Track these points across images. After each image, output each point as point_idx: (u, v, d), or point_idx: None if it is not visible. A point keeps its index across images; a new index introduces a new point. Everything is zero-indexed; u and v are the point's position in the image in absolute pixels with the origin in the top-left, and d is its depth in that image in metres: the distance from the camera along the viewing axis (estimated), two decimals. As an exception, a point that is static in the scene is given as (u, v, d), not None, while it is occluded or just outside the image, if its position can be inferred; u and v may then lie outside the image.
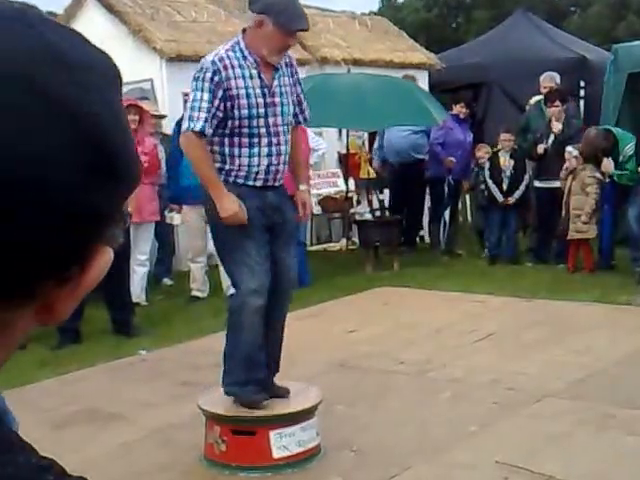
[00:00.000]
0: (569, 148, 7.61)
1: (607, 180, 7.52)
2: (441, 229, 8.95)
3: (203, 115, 3.48)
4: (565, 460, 3.47)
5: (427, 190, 9.27)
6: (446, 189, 8.82)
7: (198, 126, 3.49)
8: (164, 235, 7.87)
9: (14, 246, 0.53)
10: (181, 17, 9.14)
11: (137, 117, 6.80)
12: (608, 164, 7.33)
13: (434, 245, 9.12)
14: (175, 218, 7.26)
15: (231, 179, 3.63)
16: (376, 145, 9.57)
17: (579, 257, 7.73)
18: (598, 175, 7.52)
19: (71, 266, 0.57)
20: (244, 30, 3.67)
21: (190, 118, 3.50)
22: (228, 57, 3.54)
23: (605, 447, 3.61)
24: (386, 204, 9.28)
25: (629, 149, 7.21)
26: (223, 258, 3.89)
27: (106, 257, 0.61)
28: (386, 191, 9.61)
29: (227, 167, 3.62)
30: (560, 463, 3.43)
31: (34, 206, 0.53)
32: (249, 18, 3.71)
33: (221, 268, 7.23)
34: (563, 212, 7.67)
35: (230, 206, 3.56)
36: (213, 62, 3.52)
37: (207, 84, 3.49)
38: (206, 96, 3.48)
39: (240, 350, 3.64)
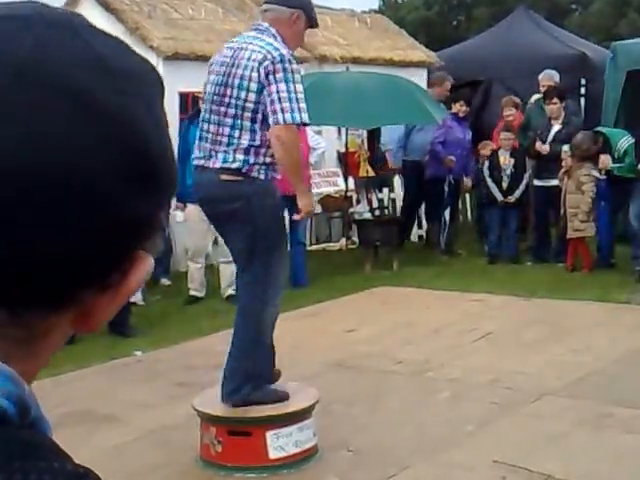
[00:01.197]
0: (565, 147, 7.58)
1: (604, 177, 7.49)
2: (441, 228, 8.91)
3: (303, 106, 3.43)
4: (563, 459, 3.45)
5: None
6: (446, 188, 8.78)
7: (305, 117, 3.45)
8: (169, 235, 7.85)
9: (57, 254, 0.53)
10: (178, 15, 9.11)
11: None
12: (605, 159, 7.31)
13: (434, 244, 9.08)
14: (178, 216, 7.22)
15: (272, 173, 3.58)
16: (396, 145, 9.53)
17: (578, 256, 7.70)
18: (594, 173, 7.50)
19: (112, 273, 0.57)
20: (264, 23, 3.59)
21: (292, 110, 3.39)
22: None
23: (604, 446, 3.59)
24: (390, 203, 9.24)
25: (623, 143, 7.19)
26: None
27: (146, 264, 0.60)
28: (385, 190, 9.57)
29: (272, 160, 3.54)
30: (558, 462, 3.41)
31: (79, 215, 0.53)
32: (279, 12, 3.56)
33: (221, 267, 7.23)
34: (562, 211, 7.64)
35: (311, 201, 3.69)
36: (290, 54, 3.51)
37: (297, 75, 3.48)
38: (299, 87, 3.44)
39: (265, 354, 3.58)
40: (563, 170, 7.61)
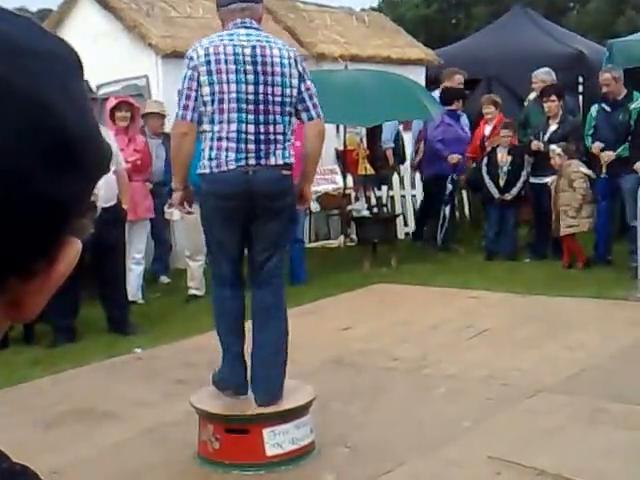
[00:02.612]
0: (552, 146, 7.60)
1: (594, 175, 7.51)
2: (439, 225, 8.93)
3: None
4: (557, 455, 3.48)
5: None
6: (450, 186, 8.79)
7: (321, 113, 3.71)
8: (161, 233, 7.87)
9: None
10: (176, 13, 9.13)
11: (129, 114, 6.79)
12: (605, 154, 7.34)
13: (430, 241, 9.10)
14: (175, 214, 7.24)
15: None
16: (414, 148, 9.59)
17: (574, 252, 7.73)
18: (584, 170, 7.54)
19: (36, 260, 0.56)
20: (258, 21, 3.65)
21: (315, 106, 3.65)
22: None
23: (597, 442, 3.61)
24: (388, 201, 9.27)
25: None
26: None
27: (74, 249, 0.59)
28: (384, 187, 9.60)
29: None
30: (552, 458, 3.44)
31: None
32: (257, 9, 3.63)
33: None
34: (553, 213, 7.66)
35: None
36: None
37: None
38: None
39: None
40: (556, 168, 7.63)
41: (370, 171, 9.78)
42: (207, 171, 3.55)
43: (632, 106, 7.28)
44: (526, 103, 8.68)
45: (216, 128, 3.49)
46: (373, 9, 21.92)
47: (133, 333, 5.97)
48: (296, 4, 10.73)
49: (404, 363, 4.94)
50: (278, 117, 3.54)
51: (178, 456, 3.69)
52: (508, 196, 8.27)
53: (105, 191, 5.87)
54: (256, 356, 3.66)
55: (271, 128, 3.54)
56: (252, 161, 3.51)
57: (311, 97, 3.63)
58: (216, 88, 3.47)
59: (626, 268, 7.10)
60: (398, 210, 9.77)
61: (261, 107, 3.50)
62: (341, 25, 10.72)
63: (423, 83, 10.12)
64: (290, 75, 3.54)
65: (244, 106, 3.48)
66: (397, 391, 4.48)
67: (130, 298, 6.49)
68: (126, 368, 5.20)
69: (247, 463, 3.51)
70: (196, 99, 3.49)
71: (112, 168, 5.98)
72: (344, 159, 9.62)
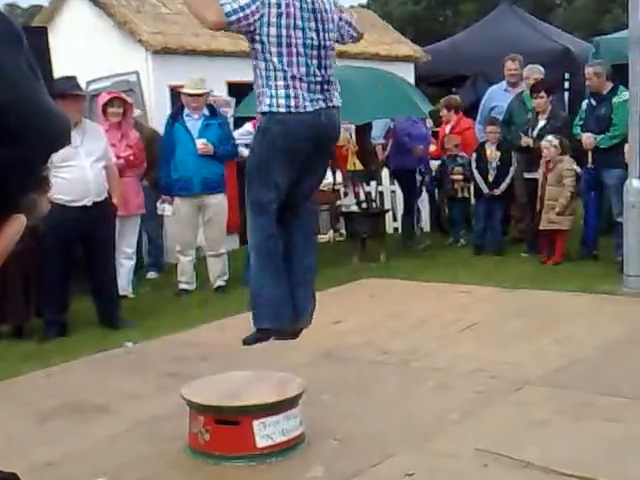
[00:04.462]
0: (549, 137, 7.67)
1: (590, 167, 7.58)
2: (414, 219, 9.06)
3: None
4: (545, 447, 3.52)
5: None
6: (419, 178, 8.95)
7: None
8: (153, 228, 7.89)
9: None
10: (167, 9, 9.13)
11: (121, 110, 6.80)
12: (588, 138, 7.42)
13: (407, 236, 9.20)
14: (167, 209, 7.27)
15: None
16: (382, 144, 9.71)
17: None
18: (576, 167, 7.62)
19: None
20: None
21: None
22: None
23: (584, 434, 3.66)
24: (377, 196, 9.31)
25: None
26: None
27: (16, 225, 0.58)
28: (373, 183, 9.64)
29: None
30: (540, 450, 3.48)
31: None
32: None
33: (209, 260, 7.29)
34: (538, 205, 7.72)
35: None
36: None
37: None
38: None
39: None
40: (545, 160, 7.69)
41: (359, 167, 9.83)
42: (283, 110, 3.53)
43: (614, 100, 7.38)
44: (509, 100, 8.71)
45: (287, 68, 3.55)
46: (362, 6, 21.96)
47: (124, 327, 5.99)
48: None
49: (393, 356, 4.99)
50: (331, 61, 3.69)
51: (169, 448, 3.71)
52: (497, 191, 8.34)
53: (95, 185, 5.89)
54: (304, 278, 3.84)
55: (329, 71, 3.67)
56: (322, 103, 3.61)
57: (349, 20, 3.83)
58: (283, 32, 3.55)
59: (612, 262, 7.18)
60: (387, 205, 9.83)
61: (322, 52, 3.64)
62: (330, 21, 10.72)
63: (412, 80, 10.17)
64: (333, 21, 3.70)
65: (309, 51, 3.60)
66: (386, 384, 4.52)
67: (121, 292, 6.51)
68: (117, 362, 5.22)
69: (237, 455, 3.53)
70: (247, 19, 3.49)
71: (102, 163, 6.00)
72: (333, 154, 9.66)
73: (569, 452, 3.45)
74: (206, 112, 7.16)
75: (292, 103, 3.53)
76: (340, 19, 3.77)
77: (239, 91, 8.70)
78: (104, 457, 3.67)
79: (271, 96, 3.53)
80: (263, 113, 3.58)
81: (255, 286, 3.74)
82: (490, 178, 8.40)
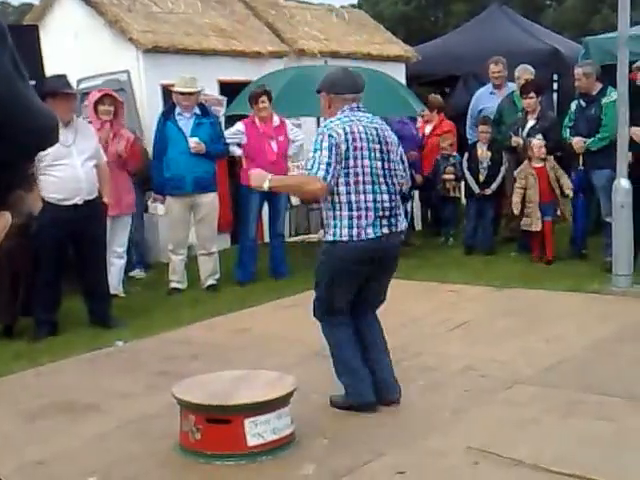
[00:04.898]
0: (538, 136, 7.72)
1: (580, 169, 7.62)
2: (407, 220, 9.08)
3: None
4: (534, 445, 3.54)
5: None
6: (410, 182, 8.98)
7: None
8: (138, 226, 7.87)
9: None
10: (158, 8, 9.12)
11: (112, 108, 6.78)
12: (579, 141, 7.46)
13: None
14: (159, 208, 7.27)
15: None
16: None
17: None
18: (556, 166, 7.70)
19: None
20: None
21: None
22: None
23: (573, 432, 3.69)
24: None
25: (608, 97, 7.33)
26: None
27: (1, 222, 0.57)
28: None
29: None
30: (530, 448, 3.50)
31: None
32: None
33: (200, 259, 7.29)
34: (517, 207, 7.77)
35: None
36: None
37: None
38: None
39: None
40: (540, 157, 7.73)
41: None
42: (345, 239, 3.90)
43: (603, 101, 7.42)
44: (499, 100, 8.74)
45: (354, 198, 3.89)
46: (353, 6, 21.97)
47: (115, 326, 5.98)
48: (277, 1, 10.75)
49: (384, 355, 4.99)
50: (397, 188, 4.06)
51: (160, 447, 3.72)
52: (488, 191, 8.37)
53: (87, 184, 5.88)
54: (385, 365, 4.18)
55: (395, 198, 4.03)
56: (385, 230, 3.95)
57: (406, 168, 4.26)
58: (351, 163, 3.89)
59: (601, 262, 7.22)
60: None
61: (388, 180, 4.00)
62: (321, 22, 10.75)
63: (403, 80, 10.19)
64: (396, 153, 4.09)
65: (376, 179, 3.95)
66: (377, 383, 4.52)
67: (111, 291, 6.50)
68: (108, 361, 5.22)
69: (228, 453, 3.54)
70: (336, 169, 3.86)
71: (93, 162, 5.99)
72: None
73: (559, 450, 3.48)
74: (197, 111, 7.17)
75: (354, 233, 3.90)
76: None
77: (231, 90, 8.71)
78: (94, 456, 3.68)
79: (335, 226, 3.93)
80: (326, 242, 4.01)
81: (346, 374, 4.11)
82: (481, 178, 8.43)
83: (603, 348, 5.01)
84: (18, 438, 3.92)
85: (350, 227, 3.89)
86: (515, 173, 7.94)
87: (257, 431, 3.53)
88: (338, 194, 3.89)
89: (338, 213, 3.91)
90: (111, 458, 3.64)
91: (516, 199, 7.73)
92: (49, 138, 0.55)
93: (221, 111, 8.64)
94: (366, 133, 3.95)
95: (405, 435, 3.75)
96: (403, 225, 4.08)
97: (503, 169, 8.40)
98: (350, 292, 4.04)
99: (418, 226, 9.73)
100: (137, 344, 5.59)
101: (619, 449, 3.48)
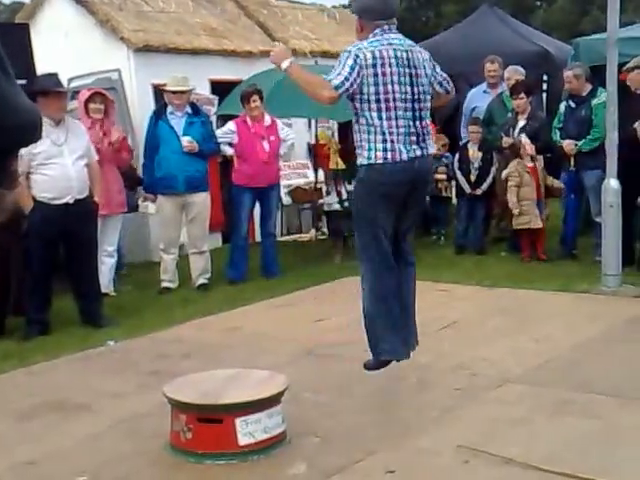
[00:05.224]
0: (523, 138, 7.76)
1: (572, 169, 7.66)
2: None
3: None
4: (524, 444, 3.56)
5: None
6: None
7: None
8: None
9: None
10: (149, 7, 9.12)
11: (102, 106, 6.78)
12: (569, 146, 7.51)
13: None
14: (150, 207, 7.25)
15: None
16: None
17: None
18: (542, 167, 7.76)
19: None
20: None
21: (447, 81, 4.30)
22: None
23: (563, 430, 3.70)
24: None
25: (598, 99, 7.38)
26: None
27: None
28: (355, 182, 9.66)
29: None
30: (520, 446, 3.52)
31: None
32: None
33: (191, 258, 7.29)
34: (516, 206, 7.80)
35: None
36: None
37: None
38: None
39: None
40: (530, 155, 7.77)
41: (341, 165, 9.84)
42: (380, 161, 3.91)
43: (593, 102, 7.46)
44: (489, 100, 8.76)
45: (385, 123, 3.91)
46: (344, 6, 21.94)
47: (106, 325, 5.98)
48: (268, 0, 10.76)
49: (375, 354, 5.01)
50: (426, 113, 4.05)
51: (151, 446, 3.71)
52: (479, 191, 8.40)
53: (78, 183, 5.87)
54: (406, 307, 4.18)
55: (424, 123, 4.04)
56: (418, 152, 3.98)
57: (445, 77, 4.22)
58: (381, 89, 3.89)
59: (591, 262, 7.25)
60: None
61: (416, 105, 3.99)
62: (312, 22, 10.77)
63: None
64: (426, 75, 4.06)
65: (406, 105, 3.95)
66: (368, 382, 4.53)
67: (102, 290, 6.50)
68: (100, 360, 5.22)
69: (219, 452, 3.53)
70: (353, 85, 3.85)
71: (85, 161, 5.99)
72: (315, 153, 9.69)
73: (548, 448, 3.50)
74: (189, 110, 7.17)
75: (389, 156, 3.93)
76: (434, 69, 4.15)
77: (222, 89, 8.71)
78: (85, 455, 3.67)
79: (369, 149, 3.93)
80: (361, 165, 3.97)
81: (374, 323, 4.11)
82: (472, 178, 8.46)
83: (592, 347, 5.04)
84: (9, 438, 3.92)
85: (384, 150, 3.92)
86: (503, 174, 7.96)
87: (248, 430, 3.53)
88: (371, 118, 3.91)
89: (372, 137, 3.92)
90: (102, 457, 3.63)
91: (513, 198, 7.73)
92: (31, 135, 0.55)
93: (212, 110, 8.64)
94: (396, 57, 3.94)
95: (396, 433, 3.76)
96: (433, 149, 4.14)
97: (493, 169, 8.43)
98: (390, 217, 4.02)
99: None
100: (128, 343, 5.58)
101: (608, 447, 3.50)
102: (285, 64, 4.05)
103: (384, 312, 4.07)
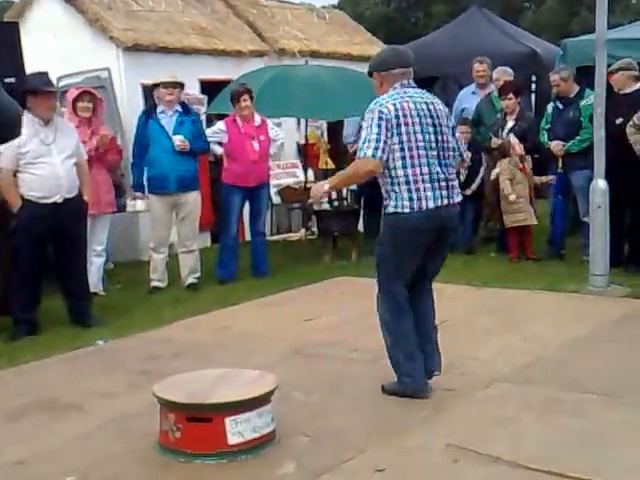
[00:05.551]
0: (512, 138, 7.80)
1: (560, 171, 7.71)
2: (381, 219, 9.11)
3: None
4: (513, 442, 3.58)
5: None
6: None
7: None
8: None
9: None
10: (138, 7, 9.11)
11: (91, 105, 6.76)
12: (557, 145, 7.56)
13: (372, 234, 9.25)
14: (138, 205, 7.23)
15: None
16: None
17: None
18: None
19: None
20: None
21: (459, 146, 4.40)
22: None
23: (551, 429, 3.73)
24: (349, 195, 9.32)
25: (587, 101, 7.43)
26: None
27: None
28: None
29: None
30: (508, 445, 3.54)
31: None
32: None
33: (181, 257, 7.28)
34: (514, 194, 7.83)
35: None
36: None
37: None
38: None
39: None
40: (519, 155, 7.81)
41: (331, 165, 9.88)
42: (407, 211, 4.06)
43: (582, 103, 7.51)
44: (478, 101, 8.79)
45: (410, 171, 4.05)
46: (334, 7, 21.99)
47: (96, 325, 5.97)
48: (258, 0, 10.76)
49: (364, 354, 5.02)
50: (451, 160, 4.21)
51: (140, 446, 3.71)
52: (468, 191, 8.41)
53: (67, 182, 5.86)
54: (429, 338, 4.34)
55: (450, 170, 4.18)
56: (445, 201, 4.12)
57: (459, 144, 4.36)
58: (405, 138, 4.04)
59: (578, 262, 7.29)
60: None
61: (441, 152, 4.14)
62: (302, 21, 10.78)
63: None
64: (447, 126, 4.21)
65: (432, 152, 4.10)
66: (357, 381, 4.56)
67: (91, 290, 6.48)
68: (89, 360, 5.21)
69: (209, 452, 3.53)
70: (387, 144, 4.01)
71: (74, 160, 5.97)
72: (305, 153, 9.70)
73: (537, 447, 3.52)
74: (179, 109, 7.16)
75: (415, 205, 4.06)
76: (453, 130, 4.28)
77: (211, 89, 8.71)
78: (74, 455, 3.67)
79: (396, 199, 4.08)
80: (388, 213, 4.12)
81: (396, 359, 4.25)
82: (461, 178, 8.47)
83: (580, 347, 5.07)
84: (-2, 437, 3.91)
85: (410, 200, 4.05)
86: (493, 173, 7.99)
87: (238, 429, 3.53)
88: (395, 168, 4.04)
89: (397, 187, 4.06)
90: (91, 457, 3.63)
91: (508, 188, 7.74)
92: (10, 132, 0.55)
93: (202, 110, 8.64)
94: (417, 109, 4.08)
95: (385, 432, 3.77)
96: (459, 197, 4.24)
97: (482, 170, 8.46)
98: (414, 263, 4.16)
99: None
100: (118, 343, 5.57)
101: (596, 446, 3.53)
102: (326, 187, 4.23)
103: (404, 346, 4.22)
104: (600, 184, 6.59)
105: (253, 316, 6.23)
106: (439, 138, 4.13)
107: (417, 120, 4.06)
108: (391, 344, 4.26)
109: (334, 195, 8.85)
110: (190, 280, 7.26)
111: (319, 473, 3.37)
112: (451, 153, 4.20)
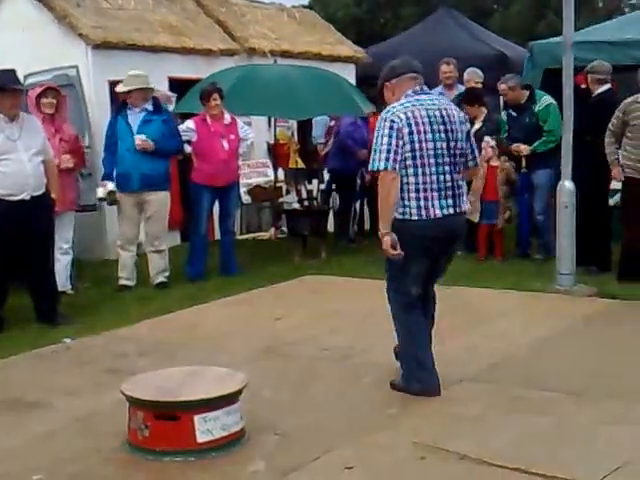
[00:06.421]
0: (487, 138, 7.89)
1: (524, 171, 7.82)
2: (351, 220, 9.23)
3: None
4: (479, 440, 3.61)
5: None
6: (359, 181, 9.12)
7: None
8: None
9: None
10: (107, 4, 9.04)
11: (55, 101, 6.70)
12: (523, 147, 7.67)
13: (341, 235, 9.34)
14: (99, 192, 7.15)
15: None
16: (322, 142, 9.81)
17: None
18: (507, 165, 7.87)
19: None
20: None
21: (476, 155, 4.37)
22: None
23: (516, 427, 3.77)
24: (319, 195, 9.35)
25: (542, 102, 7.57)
26: None
27: None
28: (314, 181, 9.70)
29: None
30: (474, 443, 3.57)
31: None
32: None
33: (149, 256, 7.24)
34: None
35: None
36: None
37: None
38: None
39: None
40: (484, 159, 7.88)
41: (301, 165, 9.89)
42: (415, 218, 4.09)
43: (536, 108, 7.64)
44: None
45: (420, 179, 4.06)
46: (304, 7, 22.00)
47: (62, 323, 5.92)
48: (228, -1, 10.73)
49: (333, 352, 5.05)
50: (461, 167, 4.21)
51: (107, 444, 3.69)
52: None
53: (34, 179, 5.80)
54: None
55: (458, 177, 4.19)
56: (452, 210, 4.15)
57: (474, 148, 4.32)
58: (416, 146, 4.04)
59: (546, 261, 7.38)
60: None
61: (452, 159, 4.14)
62: (272, 21, 10.77)
63: (353, 80, 10.26)
64: (461, 131, 4.18)
65: (443, 160, 4.10)
66: (326, 380, 4.58)
67: (59, 289, 6.42)
68: (55, 358, 5.16)
69: (177, 450, 3.52)
70: (398, 153, 4.01)
71: (41, 157, 5.92)
72: (275, 152, 9.70)
73: (503, 445, 3.56)
74: (149, 107, 7.10)
75: (423, 213, 4.09)
76: (469, 134, 4.26)
77: (180, 87, 8.67)
78: (40, 454, 3.63)
79: (404, 206, 4.08)
80: (396, 219, 4.08)
81: (410, 359, 4.31)
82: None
83: (546, 346, 5.13)
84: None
85: (419, 207, 4.07)
86: None
87: (207, 427, 3.53)
88: (406, 176, 4.05)
89: (406, 194, 4.06)
90: (57, 456, 3.60)
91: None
92: None
93: (170, 108, 8.59)
94: (428, 116, 4.07)
95: (353, 431, 3.79)
96: (467, 206, 4.27)
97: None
98: (422, 267, 4.19)
99: (367, 226, 9.80)
100: (85, 341, 5.53)
101: (561, 443, 3.58)
102: (387, 239, 4.07)
103: (417, 347, 4.29)
104: (567, 185, 6.67)
105: (222, 315, 6.23)
106: (451, 145, 4.13)
107: (429, 128, 4.06)
108: (403, 340, 4.35)
109: (304, 195, 8.88)
110: (159, 279, 7.22)
111: (288, 471, 3.38)
112: (464, 159, 4.21)
